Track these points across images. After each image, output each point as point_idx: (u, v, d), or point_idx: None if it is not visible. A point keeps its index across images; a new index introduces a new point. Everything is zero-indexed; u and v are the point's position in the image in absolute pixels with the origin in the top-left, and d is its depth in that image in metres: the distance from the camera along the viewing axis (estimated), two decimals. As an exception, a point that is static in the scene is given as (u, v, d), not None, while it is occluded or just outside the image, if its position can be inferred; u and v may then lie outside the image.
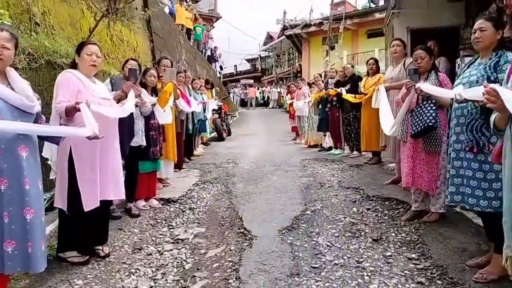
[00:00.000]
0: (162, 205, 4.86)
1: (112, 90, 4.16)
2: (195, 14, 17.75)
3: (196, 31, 16.97)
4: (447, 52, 6.22)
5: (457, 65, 5.27)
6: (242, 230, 3.85)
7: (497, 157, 2.34)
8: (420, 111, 3.70)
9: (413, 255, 3.17)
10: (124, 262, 3.27)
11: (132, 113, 4.14)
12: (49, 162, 3.36)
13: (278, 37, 34.13)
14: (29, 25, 5.27)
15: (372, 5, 23.73)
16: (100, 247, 3.36)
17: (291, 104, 11.41)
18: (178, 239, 3.79)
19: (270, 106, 28.59)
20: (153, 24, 10.36)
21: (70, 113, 3.02)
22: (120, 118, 3.97)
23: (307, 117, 9.75)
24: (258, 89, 32.48)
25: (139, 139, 4.30)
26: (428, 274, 2.85)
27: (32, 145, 2.48)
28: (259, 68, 43.07)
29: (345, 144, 7.95)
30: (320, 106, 8.61)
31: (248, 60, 47.31)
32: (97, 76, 3.56)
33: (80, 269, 3.10)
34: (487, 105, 2.09)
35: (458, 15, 6.83)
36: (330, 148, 8.47)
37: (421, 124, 3.65)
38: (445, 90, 3.30)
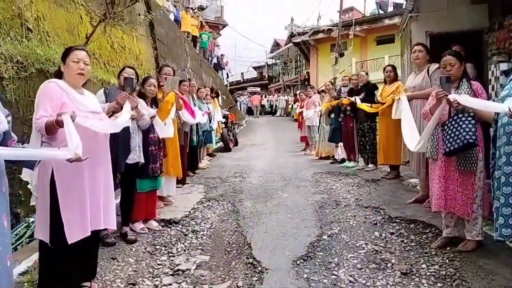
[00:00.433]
0: (162, 227, 4.42)
1: (106, 102, 3.76)
2: (201, 22, 17.44)
3: (202, 38, 16.64)
4: (470, 58, 5.75)
5: (490, 72, 4.79)
6: (251, 260, 3.39)
7: None
8: (456, 125, 3.23)
9: (453, 296, 2.69)
10: (115, 302, 2.83)
11: (128, 127, 3.73)
12: (29, 186, 2.93)
13: (285, 45, 33.75)
14: (21, 31, 4.90)
15: (381, 12, 23.39)
16: (88, 283, 2.92)
17: (300, 113, 10.95)
18: (178, 270, 3.33)
19: (278, 114, 28.14)
20: (157, 31, 10.00)
21: (52, 130, 2.60)
22: (114, 133, 3.57)
23: (318, 127, 9.29)
24: (265, 97, 32.05)
25: (136, 156, 3.87)
26: (476, 323, 2.38)
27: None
28: (266, 76, 42.70)
29: (359, 156, 7.48)
30: (332, 116, 8.16)
31: (255, 68, 47.00)
32: (93, 86, 3.15)
33: (62, 312, 2.66)
34: None
35: (481, 18, 6.35)
36: (343, 160, 7.99)
37: (458, 141, 3.17)
38: (492, 103, 2.84)
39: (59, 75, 2.94)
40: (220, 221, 4.60)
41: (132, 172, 3.92)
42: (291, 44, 28.84)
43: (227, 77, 21.41)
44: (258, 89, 36.91)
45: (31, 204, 3.04)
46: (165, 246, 3.86)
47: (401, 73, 7.69)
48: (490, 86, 4.47)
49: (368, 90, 7.03)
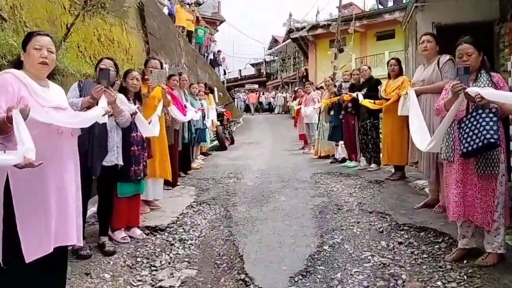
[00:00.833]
0: (147, 235, 4.01)
1: (81, 97, 3.35)
2: (197, 16, 16.99)
3: (197, 33, 16.18)
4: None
5: (509, 64, 4.38)
6: (242, 276, 2.98)
7: None
8: (475, 123, 2.83)
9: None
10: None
11: (105, 125, 3.32)
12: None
13: (284, 41, 33.27)
14: (-8, 21, 4.48)
15: (380, 7, 22.95)
16: (52, 307, 2.51)
17: (298, 110, 10.53)
18: (160, 287, 2.93)
19: (276, 111, 27.69)
20: (148, 24, 9.56)
21: (4, 129, 2.19)
22: (88, 130, 3.17)
23: (317, 125, 8.88)
24: (263, 94, 31.58)
25: (114, 157, 3.45)
26: None
27: None
28: (264, 73, 42.24)
29: (361, 155, 7.08)
30: (332, 113, 7.75)
31: (252, 65, 46.56)
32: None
33: None
34: None
35: (491, 9, 5.95)
36: (343, 160, 7.58)
37: (477, 140, 2.77)
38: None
39: (18, 64, 2.53)
40: (210, 228, 4.19)
41: (111, 175, 3.51)
42: (289, 40, 28.40)
43: (224, 73, 20.91)
44: (256, 86, 36.45)
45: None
46: (148, 258, 3.44)
47: (405, 68, 7.28)
48: (510, 79, 4.06)
49: (371, 86, 6.62)
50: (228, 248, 3.58)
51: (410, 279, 2.89)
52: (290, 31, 25.48)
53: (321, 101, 8.52)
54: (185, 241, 3.82)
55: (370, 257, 3.27)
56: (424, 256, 3.27)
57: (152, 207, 4.72)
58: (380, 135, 6.50)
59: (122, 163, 3.57)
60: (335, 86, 8.01)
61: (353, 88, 7.04)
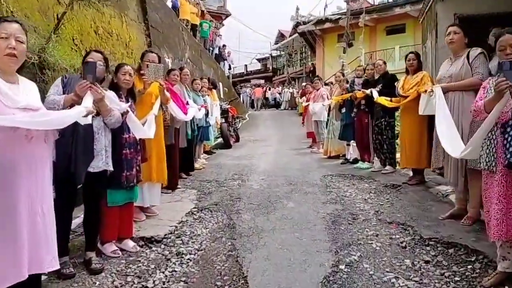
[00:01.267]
0: (141, 246, 3.61)
1: (64, 93, 2.95)
2: (202, 10, 16.53)
3: (202, 27, 15.71)
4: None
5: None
6: (246, 304, 2.57)
7: None
8: (524, 128, 2.38)
9: None
10: None
11: (90, 125, 2.91)
12: None
13: (290, 35, 32.68)
14: (-26, 10, 4.07)
15: (390, 0, 22.30)
16: None
17: (306, 107, 10.05)
18: (152, 315, 2.52)
19: (282, 107, 27.19)
20: (150, 17, 9.11)
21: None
22: (72, 132, 2.77)
23: (326, 123, 8.43)
24: (269, 89, 31.05)
25: (101, 162, 3.03)
26: None
27: None
28: (270, 68, 41.66)
29: (375, 156, 6.63)
30: (343, 111, 7.29)
31: (259, 60, 45.96)
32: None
33: None
34: None
35: (518, -1, 5.45)
36: (355, 161, 7.13)
37: (527, 148, 2.33)
38: None
39: (-20, 57, 2.12)
40: (211, 239, 3.77)
41: (98, 182, 3.09)
42: (296, 35, 27.83)
43: (229, 68, 20.42)
44: (262, 81, 35.95)
45: None
46: (140, 277, 3.03)
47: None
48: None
49: (386, 81, 6.16)
50: (230, 266, 3.16)
51: (443, 309, 2.46)
52: (297, 25, 24.90)
53: (331, 98, 8.06)
54: (183, 256, 3.40)
55: (394, 280, 2.83)
56: (456, 279, 2.83)
57: (148, 214, 4.30)
58: (397, 136, 6.05)
59: (112, 169, 3.16)
60: (347, 82, 7.54)
61: (366, 84, 6.58)
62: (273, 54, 42.15)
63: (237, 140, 11.59)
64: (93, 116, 2.93)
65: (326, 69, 22.78)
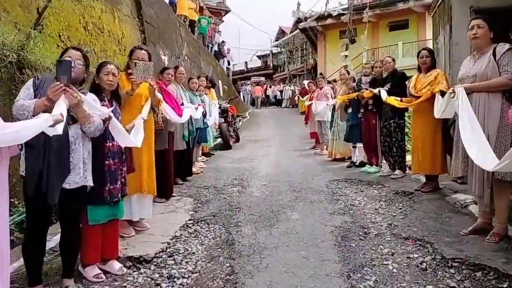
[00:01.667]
0: (128, 268, 3.22)
1: (36, 97, 2.55)
2: (200, 6, 16.09)
3: (201, 23, 15.28)
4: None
5: None
6: None
7: None
8: None
9: None
10: None
11: (66, 135, 2.51)
12: None
13: (291, 32, 32.21)
14: None
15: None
16: None
17: (309, 106, 9.63)
18: None
19: (283, 105, 26.75)
20: (145, 12, 8.71)
21: None
22: (43, 143, 2.38)
23: (331, 123, 8.02)
24: (270, 87, 30.59)
25: (78, 177, 2.62)
26: None
27: None
28: (271, 65, 41.21)
29: (383, 159, 6.23)
30: (349, 111, 6.88)
31: (259, 57, 45.51)
32: None
33: None
34: None
35: (541, -10, 5.04)
36: (362, 164, 6.73)
37: None
38: None
39: None
40: (208, 259, 3.37)
41: (75, 200, 2.69)
42: (297, 31, 27.39)
43: (229, 65, 19.97)
44: (263, 78, 35.50)
45: None
46: (124, 308, 2.65)
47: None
48: None
49: (395, 80, 5.75)
50: (228, 293, 2.77)
51: None
52: (298, 21, 24.44)
53: (337, 97, 7.64)
54: (175, 280, 3.00)
55: (417, 312, 2.44)
56: (489, 311, 2.44)
57: (138, 228, 3.90)
58: (407, 138, 5.65)
59: (92, 184, 2.76)
60: (354, 80, 7.12)
61: (374, 82, 6.17)
62: (273, 51, 41.73)
63: (237, 140, 11.19)
64: (69, 124, 2.54)
65: (328, 66, 22.37)
